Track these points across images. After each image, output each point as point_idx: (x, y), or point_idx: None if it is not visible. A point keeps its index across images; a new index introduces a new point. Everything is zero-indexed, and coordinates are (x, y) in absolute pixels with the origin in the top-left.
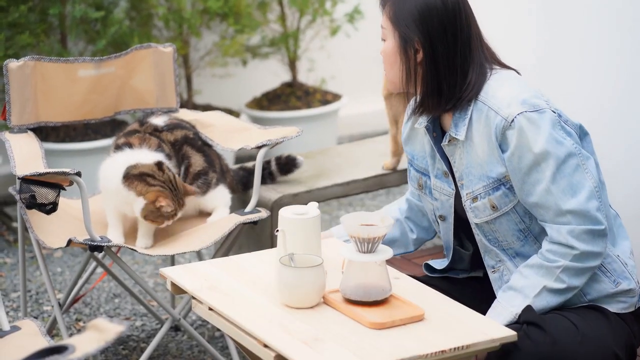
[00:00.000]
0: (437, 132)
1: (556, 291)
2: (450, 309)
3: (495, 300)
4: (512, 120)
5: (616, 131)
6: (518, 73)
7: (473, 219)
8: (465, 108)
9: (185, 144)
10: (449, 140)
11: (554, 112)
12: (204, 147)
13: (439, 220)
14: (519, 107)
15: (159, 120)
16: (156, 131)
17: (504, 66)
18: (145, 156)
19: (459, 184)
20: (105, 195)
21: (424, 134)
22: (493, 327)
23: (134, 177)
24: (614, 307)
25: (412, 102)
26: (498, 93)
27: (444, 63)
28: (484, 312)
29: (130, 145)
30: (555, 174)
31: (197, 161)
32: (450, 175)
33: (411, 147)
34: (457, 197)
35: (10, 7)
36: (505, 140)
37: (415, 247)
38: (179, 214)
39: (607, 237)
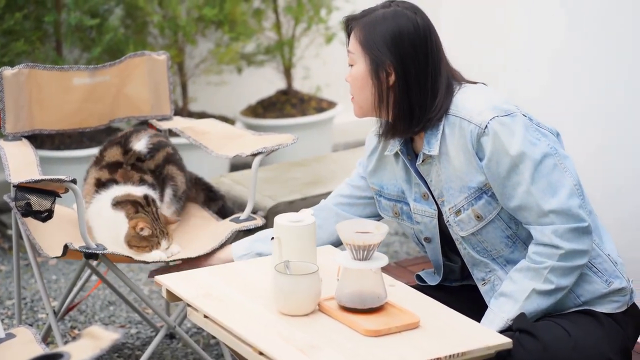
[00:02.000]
0: (411, 155)
1: (545, 292)
2: (446, 316)
3: (488, 308)
4: (486, 127)
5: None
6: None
7: (459, 233)
8: (437, 125)
9: (167, 164)
10: (423, 160)
11: (525, 116)
12: (181, 160)
13: (424, 243)
14: (490, 113)
15: (141, 145)
16: (139, 160)
17: (470, 82)
18: (133, 191)
19: (439, 201)
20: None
21: (394, 162)
22: (488, 334)
23: (124, 202)
24: (607, 308)
25: (374, 133)
26: (467, 103)
27: (416, 85)
28: (478, 320)
29: (116, 182)
30: (534, 175)
31: (181, 180)
32: (430, 196)
33: (378, 178)
34: (439, 216)
35: (5, 14)
36: (481, 147)
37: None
38: (164, 243)
39: (591, 234)
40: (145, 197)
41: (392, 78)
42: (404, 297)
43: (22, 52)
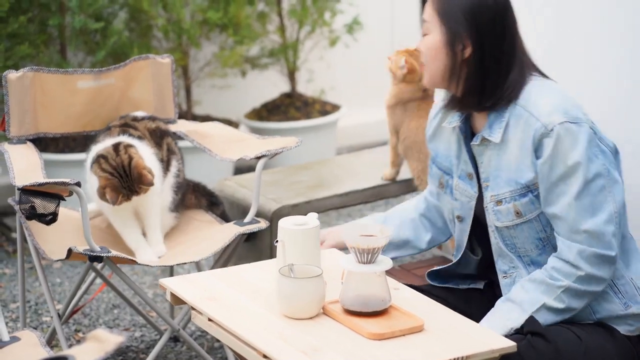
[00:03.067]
0: (468, 133)
1: (555, 310)
2: (450, 319)
3: (493, 308)
4: (552, 129)
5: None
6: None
7: (494, 222)
8: (502, 110)
9: (167, 136)
10: (480, 141)
11: (591, 128)
12: (180, 150)
13: (456, 221)
14: (560, 117)
15: (140, 113)
16: (134, 120)
17: (542, 74)
18: (106, 144)
19: (483, 185)
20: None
21: (451, 133)
22: (493, 337)
23: (93, 162)
24: (621, 329)
25: (441, 100)
26: (540, 100)
27: (491, 61)
28: None
29: (96, 142)
30: (581, 191)
31: (180, 166)
32: (474, 177)
33: (435, 144)
34: (479, 200)
35: (10, 17)
36: (542, 147)
37: (428, 247)
38: (135, 200)
39: (615, 264)
40: (115, 145)
41: (467, 51)
42: (408, 300)
43: (26, 55)
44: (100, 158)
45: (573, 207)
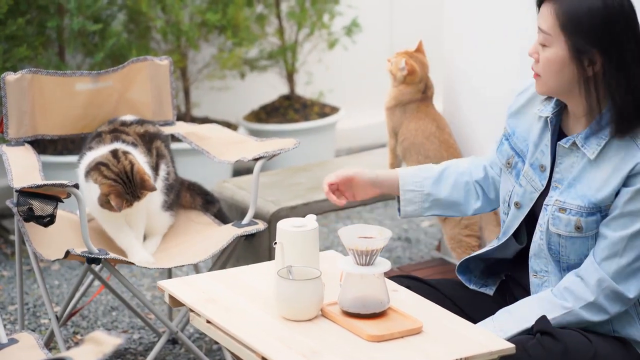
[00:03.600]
0: (557, 126)
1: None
2: (448, 321)
3: (492, 316)
4: None
5: None
6: None
7: (549, 225)
8: (606, 131)
9: (157, 139)
10: (570, 144)
11: None
12: (170, 152)
13: (512, 206)
14: None
15: (128, 117)
16: (123, 125)
17: None
18: (101, 151)
19: (553, 185)
20: (92, 211)
21: (537, 119)
22: (491, 339)
23: (91, 169)
24: (637, 347)
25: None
26: None
27: (628, 71)
28: None
29: (90, 149)
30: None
31: (171, 167)
32: (547, 171)
33: (516, 122)
34: (541, 194)
35: (8, 19)
36: (634, 179)
37: (473, 213)
38: (135, 205)
39: (626, 307)
40: (112, 152)
41: (597, 66)
42: (406, 302)
43: (24, 57)
44: (100, 165)
45: (625, 241)
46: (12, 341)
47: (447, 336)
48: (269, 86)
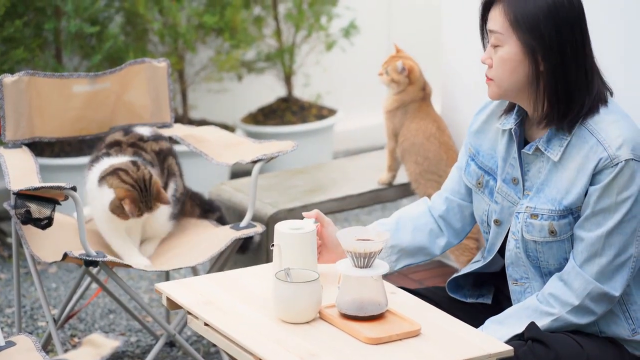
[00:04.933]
0: (521, 137)
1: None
2: (447, 324)
3: (482, 326)
4: (617, 163)
5: None
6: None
7: (523, 233)
8: (566, 131)
9: (169, 155)
10: (534, 150)
11: None
12: (180, 165)
13: (492, 224)
14: (629, 153)
15: (144, 130)
16: (140, 140)
17: (611, 94)
18: (122, 161)
19: (524, 193)
20: (96, 215)
21: (500, 134)
22: (489, 342)
23: (108, 174)
24: (629, 349)
25: (497, 102)
26: (612, 130)
27: (573, 72)
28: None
29: (108, 155)
30: (616, 228)
31: (180, 181)
32: (520, 183)
33: (479, 141)
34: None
35: (5, 21)
36: (600, 176)
37: (441, 252)
38: (146, 216)
39: (612, 304)
40: (133, 162)
41: (547, 61)
42: (404, 304)
43: (22, 59)
44: (118, 171)
45: (602, 240)
46: (10, 344)
47: (445, 339)
48: (266, 88)
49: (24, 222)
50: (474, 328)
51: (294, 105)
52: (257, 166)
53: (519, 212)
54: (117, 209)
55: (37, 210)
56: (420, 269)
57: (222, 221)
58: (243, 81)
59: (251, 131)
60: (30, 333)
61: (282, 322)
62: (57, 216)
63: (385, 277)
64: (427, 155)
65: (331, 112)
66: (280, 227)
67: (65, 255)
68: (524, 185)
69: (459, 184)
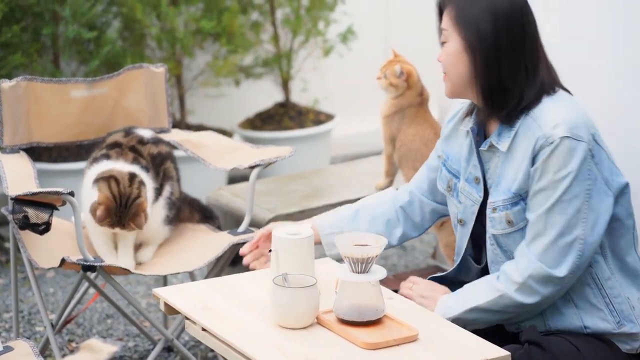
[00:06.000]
0: (480, 137)
1: (487, 311)
2: (444, 329)
3: (440, 301)
4: (552, 142)
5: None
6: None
7: (490, 229)
8: (513, 122)
9: (167, 159)
10: (488, 147)
11: (590, 149)
12: (178, 170)
13: (458, 225)
14: (563, 131)
15: (145, 133)
16: (140, 143)
17: (565, 90)
18: (121, 167)
19: (489, 191)
20: (85, 214)
21: (465, 137)
22: (486, 347)
23: (103, 178)
24: (620, 346)
25: (461, 103)
26: (551, 113)
27: (509, 62)
28: (482, 334)
29: (107, 157)
30: (555, 205)
31: (176, 185)
32: (481, 182)
33: (448, 146)
34: (483, 204)
35: (3, 27)
36: (537, 156)
37: (398, 243)
38: (117, 230)
39: (560, 287)
40: (132, 175)
41: (486, 54)
42: (402, 310)
43: (19, 64)
44: (112, 179)
45: (542, 219)
46: (7, 349)
47: (443, 344)
48: (264, 93)
49: (22, 227)
50: (472, 333)
51: (291, 110)
52: (255, 171)
53: (487, 211)
54: (93, 211)
55: (35, 215)
56: (417, 274)
57: (220, 229)
58: (240, 86)
59: (249, 136)
60: (28, 338)
61: (279, 328)
62: (55, 221)
63: (382, 281)
64: (424, 161)
65: (329, 117)
66: (277, 232)
67: (63, 261)
68: (485, 183)
69: (422, 181)
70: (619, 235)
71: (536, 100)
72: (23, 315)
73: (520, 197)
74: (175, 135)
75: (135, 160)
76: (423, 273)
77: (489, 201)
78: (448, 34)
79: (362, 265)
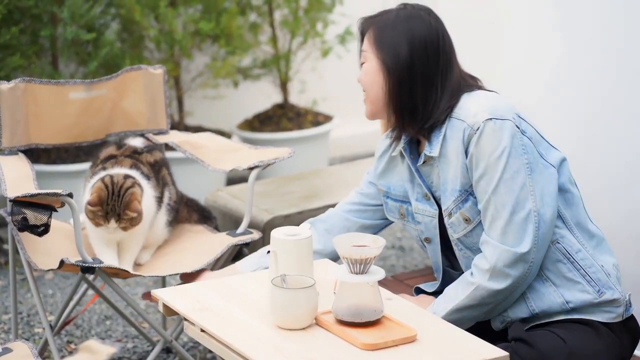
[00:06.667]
0: (414, 155)
1: (469, 307)
2: (442, 329)
3: (429, 306)
4: (478, 128)
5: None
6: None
7: (453, 235)
8: (440, 127)
9: (163, 166)
10: (424, 161)
11: (517, 126)
12: (172, 173)
13: (425, 244)
14: (485, 115)
15: (136, 142)
16: (135, 153)
17: (485, 90)
18: (118, 171)
19: (440, 203)
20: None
21: (401, 162)
22: (485, 347)
23: (98, 180)
24: (601, 317)
25: (386, 136)
26: (470, 106)
27: (423, 84)
28: (475, 332)
29: (104, 169)
30: (500, 186)
31: (173, 189)
32: (431, 197)
33: (387, 180)
34: (441, 217)
35: (1, 28)
36: (469, 147)
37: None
38: (112, 223)
39: (528, 262)
40: (126, 176)
41: (400, 76)
42: (400, 310)
43: (18, 66)
44: (107, 176)
45: (492, 203)
46: (6, 350)
47: (441, 344)
48: (262, 95)
49: (21, 229)
50: (470, 334)
51: (289, 111)
52: (253, 173)
53: (445, 220)
54: (87, 207)
55: (34, 217)
56: (416, 275)
57: (217, 229)
58: (239, 88)
59: (247, 137)
60: (27, 339)
61: (278, 329)
62: (54, 223)
63: (381, 282)
64: None
65: (327, 118)
66: (276, 234)
67: (62, 263)
68: (434, 196)
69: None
70: (574, 204)
71: (453, 102)
72: (22, 317)
73: (468, 192)
74: (174, 137)
75: (134, 166)
76: (422, 274)
77: (443, 210)
78: (367, 55)
79: (360, 266)
